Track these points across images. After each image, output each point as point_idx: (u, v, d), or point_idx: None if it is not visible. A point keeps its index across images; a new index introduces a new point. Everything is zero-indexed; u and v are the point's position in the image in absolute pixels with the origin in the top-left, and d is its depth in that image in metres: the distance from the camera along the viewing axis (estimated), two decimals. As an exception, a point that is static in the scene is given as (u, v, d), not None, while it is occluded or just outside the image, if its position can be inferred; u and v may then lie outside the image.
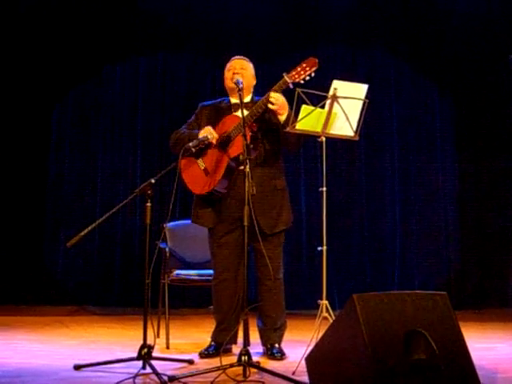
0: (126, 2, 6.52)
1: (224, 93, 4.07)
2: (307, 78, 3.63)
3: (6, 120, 6.39)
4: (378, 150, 6.40)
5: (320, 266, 3.74)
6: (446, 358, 2.65)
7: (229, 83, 3.88)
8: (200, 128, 3.88)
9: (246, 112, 3.66)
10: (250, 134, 3.66)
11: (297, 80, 3.63)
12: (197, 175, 3.81)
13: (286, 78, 3.64)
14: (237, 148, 3.65)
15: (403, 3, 6.40)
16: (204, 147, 3.77)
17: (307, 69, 3.63)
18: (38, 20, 6.39)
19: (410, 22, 6.38)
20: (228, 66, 3.97)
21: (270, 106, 3.66)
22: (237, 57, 4.00)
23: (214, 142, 3.76)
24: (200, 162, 3.81)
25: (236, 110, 3.79)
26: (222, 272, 3.91)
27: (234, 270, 3.86)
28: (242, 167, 3.67)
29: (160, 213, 5.53)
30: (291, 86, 3.63)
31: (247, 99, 3.89)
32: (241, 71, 3.89)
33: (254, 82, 4.00)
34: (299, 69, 3.64)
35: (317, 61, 3.64)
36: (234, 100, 3.87)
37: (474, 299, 6.11)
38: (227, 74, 3.93)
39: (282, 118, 3.70)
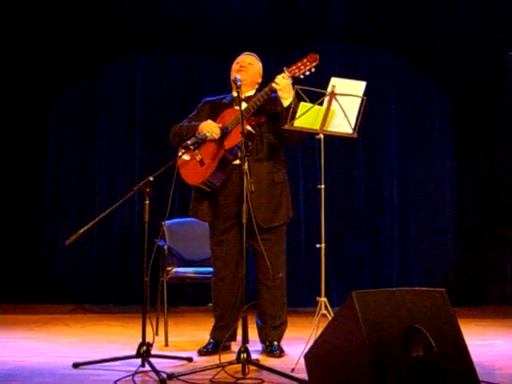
0: (125, 0, 6.52)
1: (223, 89, 4.08)
2: (307, 72, 3.67)
3: (4, 118, 6.38)
4: (376, 148, 6.39)
5: (319, 264, 3.74)
6: (445, 355, 2.65)
7: (233, 76, 3.88)
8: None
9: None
10: (248, 128, 3.67)
11: (297, 74, 3.67)
12: (193, 166, 3.81)
13: (286, 72, 3.67)
14: (232, 140, 3.67)
15: (402, 1, 6.39)
16: (201, 142, 3.79)
17: (307, 64, 3.66)
18: (36, 18, 6.37)
19: (407, 19, 6.37)
20: (237, 59, 4.00)
21: (274, 85, 3.67)
22: (247, 52, 4.04)
23: (216, 137, 3.76)
24: (196, 153, 3.81)
25: (237, 104, 3.79)
26: (221, 270, 3.91)
27: (234, 267, 3.86)
28: (237, 161, 3.69)
29: (158, 210, 5.52)
30: (291, 80, 3.65)
31: (250, 93, 3.92)
32: (248, 66, 3.93)
33: (260, 80, 4.01)
34: (300, 64, 3.67)
35: (317, 56, 3.68)
36: (236, 94, 3.88)
37: (473, 296, 6.12)
38: (234, 67, 3.97)
39: (286, 102, 3.69)
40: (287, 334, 4.02)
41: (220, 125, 3.79)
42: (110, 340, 4.48)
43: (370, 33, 6.37)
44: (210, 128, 3.77)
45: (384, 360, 2.59)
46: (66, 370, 3.49)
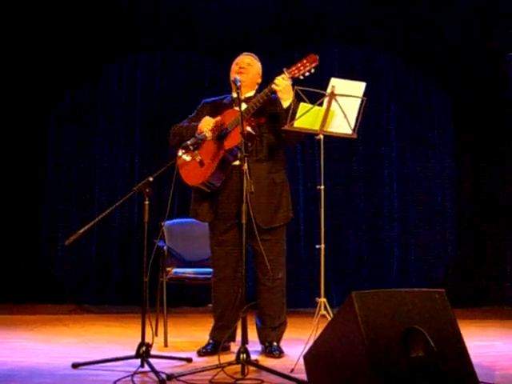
0: (125, 0, 6.52)
1: (223, 88, 4.07)
2: (307, 73, 3.67)
3: (4, 118, 6.38)
4: (376, 148, 6.40)
5: (318, 264, 3.74)
6: (444, 356, 2.65)
7: (232, 77, 3.88)
8: None
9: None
10: (247, 128, 3.67)
11: (296, 75, 3.67)
12: (193, 167, 3.81)
13: (286, 73, 3.67)
14: (232, 140, 3.67)
15: (402, 2, 6.39)
16: (201, 142, 3.79)
17: (307, 65, 3.66)
18: (36, 19, 6.37)
19: (407, 19, 6.37)
20: (236, 60, 4.00)
21: (273, 86, 3.67)
22: (246, 53, 4.03)
23: (212, 136, 3.75)
24: (196, 153, 3.81)
25: (237, 105, 3.78)
26: (221, 270, 3.91)
27: (233, 267, 3.86)
28: (237, 162, 3.69)
29: (158, 211, 5.52)
30: (291, 81, 3.65)
31: (250, 94, 3.92)
32: (247, 67, 3.92)
33: (259, 80, 4.01)
34: (299, 64, 3.67)
35: (317, 57, 3.68)
36: (236, 95, 3.87)
37: (472, 297, 6.12)
38: (233, 68, 3.96)
39: (285, 103, 3.69)
40: (287, 334, 4.02)
41: (218, 118, 3.79)
42: (109, 340, 4.48)
43: (370, 33, 6.37)
44: (206, 125, 3.76)
45: (383, 361, 2.59)
46: (65, 370, 3.49)
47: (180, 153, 3.81)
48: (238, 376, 3.21)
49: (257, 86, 4.00)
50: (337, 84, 3.56)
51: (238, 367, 3.24)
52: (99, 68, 6.50)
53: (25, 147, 6.39)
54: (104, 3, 6.45)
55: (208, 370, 3.29)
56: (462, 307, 5.51)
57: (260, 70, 4.02)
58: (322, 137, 3.72)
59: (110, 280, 6.33)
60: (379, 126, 6.38)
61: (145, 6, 6.51)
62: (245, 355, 3.25)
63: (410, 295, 2.80)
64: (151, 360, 3.40)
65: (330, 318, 3.40)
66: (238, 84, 3.67)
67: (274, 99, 3.76)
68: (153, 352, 3.51)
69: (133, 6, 6.51)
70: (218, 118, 3.80)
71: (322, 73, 3.77)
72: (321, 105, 3.58)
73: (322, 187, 3.78)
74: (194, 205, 3.95)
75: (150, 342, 3.49)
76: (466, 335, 2.85)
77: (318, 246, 3.74)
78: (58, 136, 6.48)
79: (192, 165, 3.81)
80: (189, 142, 3.75)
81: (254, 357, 3.45)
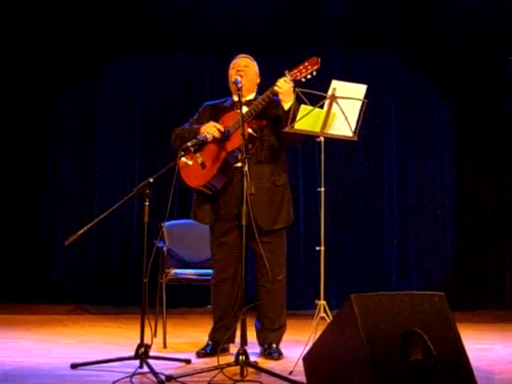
0: (125, 0, 6.52)
1: (224, 89, 4.07)
2: (308, 76, 3.66)
3: (5, 118, 6.38)
4: (376, 151, 6.40)
5: (318, 266, 3.74)
6: (443, 359, 2.65)
7: (233, 78, 3.88)
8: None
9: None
10: (249, 130, 3.67)
11: (298, 78, 3.66)
12: (194, 169, 3.81)
13: (287, 75, 3.67)
14: (234, 143, 3.68)
15: (403, 4, 6.40)
16: (202, 144, 3.78)
17: (309, 67, 3.66)
18: (37, 19, 6.38)
19: (409, 23, 6.38)
20: (232, 64, 3.99)
21: (276, 88, 3.67)
22: (241, 55, 4.02)
23: (213, 137, 3.74)
24: (198, 156, 3.81)
25: (238, 108, 3.78)
26: (220, 271, 3.91)
27: (233, 269, 3.86)
28: (238, 164, 3.69)
29: (158, 212, 5.51)
30: (292, 83, 3.65)
31: (250, 97, 3.92)
32: (244, 69, 3.91)
33: (258, 81, 4.01)
34: (301, 67, 3.67)
35: (319, 60, 3.67)
36: (237, 98, 3.87)
37: (471, 300, 6.12)
38: (231, 72, 3.95)
39: (287, 106, 3.69)
40: (286, 336, 4.02)
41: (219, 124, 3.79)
42: (108, 341, 4.48)
43: (372, 35, 6.38)
44: (209, 129, 3.76)
45: (383, 363, 2.58)
46: (64, 370, 3.49)
47: (180, 154, 3.81)
48: (237, 378, 3.20)
49: (256, 88, 3.99)
50: (338, 86, 3.56)
51: (237, 369, 3.24)
52: (100, 68, 6.50)
53: (25, 147, 6.39)
54: (104, 3, 6.45)
55: (207, 371, 3.28)
56: (461, 310, 5.50)
57: (257, 70, 4.01)
58: (322, 139, 3.72)
59: (110, 280, 6.33)
60: (380, 129, 6.39)
61: (145, 6, 6.52)
62: (244, 357, 3.25)
63: (410, 298, 2.80)
64: (150, 361, 3.40)
65: (329, 321, 3.40)
66: (239, 85, 3.67)
67: (275, 101, 3.76)
68: (152, 353, 3.50)
69: (133, 6, 6.52)
70: (220, 124, 3.79)
71: (323, 74, 3.76)
72: (322, 107, 3.58)
73: (323, 189, 3.78)
74: (195, 207, 3.95)
75: (149, 343, 3.48)
76: (466, 338, 2.85)
77: (317, 248, 3.74)
78: (58, 136, 6.49)
79: (194, 167, 3.81)
80: (189, 144, 3.74)
81: (253, 358, 3.46)
